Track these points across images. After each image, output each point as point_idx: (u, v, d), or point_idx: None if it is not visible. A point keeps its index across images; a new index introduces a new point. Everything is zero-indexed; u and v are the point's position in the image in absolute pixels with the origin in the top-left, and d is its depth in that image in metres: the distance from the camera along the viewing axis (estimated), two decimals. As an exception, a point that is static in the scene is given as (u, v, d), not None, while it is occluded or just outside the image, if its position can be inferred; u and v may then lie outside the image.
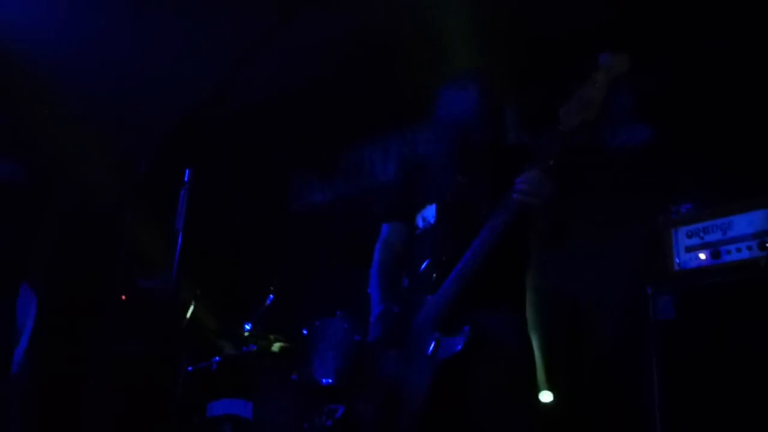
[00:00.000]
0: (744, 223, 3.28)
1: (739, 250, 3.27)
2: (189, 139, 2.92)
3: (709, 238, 3.38)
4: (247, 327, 4.79)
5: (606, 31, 4.44)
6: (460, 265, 2.54)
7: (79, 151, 5.82)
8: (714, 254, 3.33)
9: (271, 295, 4.99)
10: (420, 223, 2.88)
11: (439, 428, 2.49)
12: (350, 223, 5.60)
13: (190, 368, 4.81)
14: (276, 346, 4.80)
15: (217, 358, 4.80)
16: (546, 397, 4.22)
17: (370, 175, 6.10)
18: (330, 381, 4.04)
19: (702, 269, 3.35)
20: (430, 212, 2.84)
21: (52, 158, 5.80)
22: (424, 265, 2.70)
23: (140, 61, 5.55)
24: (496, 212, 2.50)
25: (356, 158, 6.19)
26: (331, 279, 5.31)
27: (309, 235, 6.06)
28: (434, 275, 2.62)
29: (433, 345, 2.51)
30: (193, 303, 5.06)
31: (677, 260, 3.45)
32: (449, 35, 5.01)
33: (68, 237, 5.69)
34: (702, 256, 3.38)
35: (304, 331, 4.37)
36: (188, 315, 4.99)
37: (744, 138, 3.81)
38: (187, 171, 2.42)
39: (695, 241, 3.43)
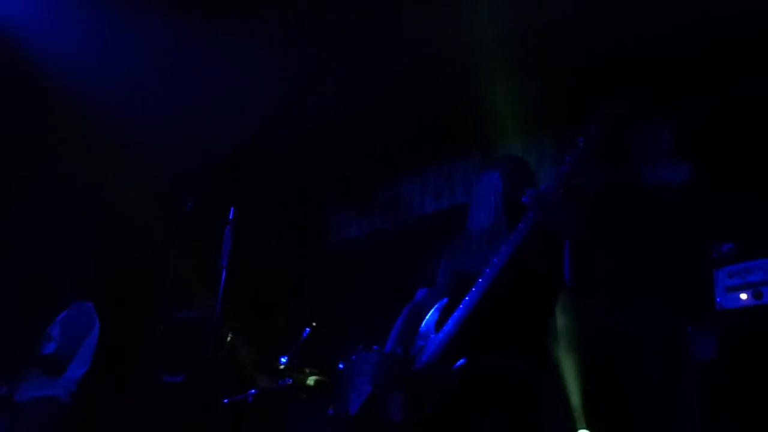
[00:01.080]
0: (786, 263, 3.24)
1: (781, 291, 3.22)
2: (233, 176, 2.97)
3: (750, 278, 3.34)
4: (283, 360, 4.80)
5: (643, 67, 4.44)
6: (468, 297, 2.48)
7: (124, 185, 5.93)
8: (756, 294, 3.29)
9: (308, 329, 5.00)
10: None
11: None
12: (387, 257, 5.61)
13: (226, 400, 4.83)
14: (311, 380, 4.80)
15: (253, 390, 4.81)
16: (582, 434, 4.15)
17: (407, 210, 6.11)
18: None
19: (743, 309, 3.31)
20: None
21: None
22: (436, 307, 2.66)
23: (187, 97, 5.66)
24: (515, 232, 2.45)
25: (394, 192, 6.22)
26: (368, 313, 5.31)
27: (346, 270, 6.08)
28: (444, 314, 2.57)
29: (428, 379, 2.49)
30: (230, 336, 5.11)
31: (718, 300, 3.41)
32: (488, 72, 5.04)
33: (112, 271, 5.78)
34: (743, 296, 3.34)
35: (341, 365, 4.36)
36: (225, 347, 5.04)
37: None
38: (231, 209, 2.45)
39: (737, 281, 3.39)
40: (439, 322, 2.57)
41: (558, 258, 2.45)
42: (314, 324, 5.02)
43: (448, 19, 4.74)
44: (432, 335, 2.58)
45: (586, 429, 4.20)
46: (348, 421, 4.15)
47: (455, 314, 2.50)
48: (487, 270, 2.48)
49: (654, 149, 4.80)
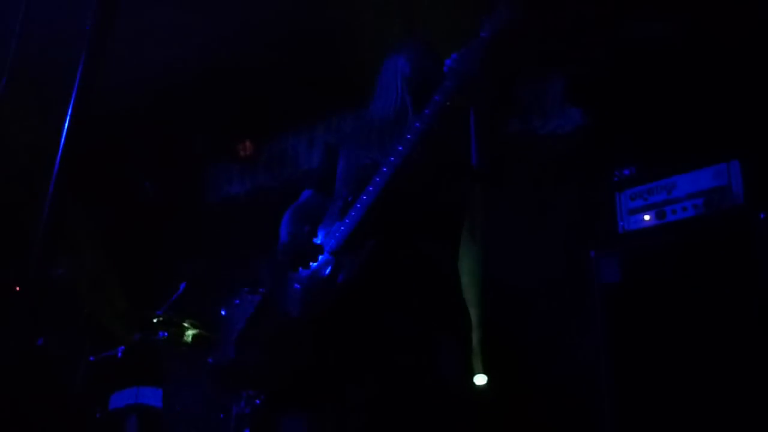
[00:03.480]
0: (688, 182, 3.18)
1: (684, 209, 3.16)
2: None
3: (653, 199, 3.27)
4: (158, 314, 4.41)
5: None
6: (372, 185, 2.25)
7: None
8: (659, 214, 3.22)
9: (184, 283, 4.64)
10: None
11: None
12: (271, 214, 5.30)
13: (92, 358, 4.38)
14: (189, 335, 4.43)
15: (122, 347, 4.39)
16: (480, 379, 3.99)
17: (292, 165, 5.83)
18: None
19: (647, 230, 3.24)
20: None
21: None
22: (341, 197, 2.41)
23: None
24: (428, 105, 2.22)
25: (279, 147, 5.91)
26: (249, 267, 4.99)
27: (227, 226, 5.73)
28: (349, 200, 2.32)
29: (330, 269, 2.24)
30: (98, 291, 4.67)
31: (621, 223, 3.33)
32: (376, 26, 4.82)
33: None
34: (647, 217, 3.26)
35: (223, 312, 4.04)
36: (92, 300, 4.60)
37: (682, 98, 3.74)
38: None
39: (639, 203, 3.31)
40: (343, 211, 2.30)
41: (466, 140, 2.26)
42: (190, 278, 4.67)
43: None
44: (336, 224, 2.31)
45: (482, 374, 4.06)
46: (230, 367, 3.84)
47: (360, 201, 2.24)
48: (392, 158, 2.24)
49: (544, 101, 4.76)
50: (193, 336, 4.45)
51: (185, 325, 4.44)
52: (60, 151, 1.53)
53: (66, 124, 1.52)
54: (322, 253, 2.28)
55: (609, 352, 3.10)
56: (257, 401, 3.80)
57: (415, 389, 2.11)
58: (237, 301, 3.98)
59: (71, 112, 1.49)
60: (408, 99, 2.45)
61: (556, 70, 4.61)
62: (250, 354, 2.93)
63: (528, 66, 4.44)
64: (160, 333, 4.37)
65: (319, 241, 2.34)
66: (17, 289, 5.28)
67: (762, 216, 2.77)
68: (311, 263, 2.28)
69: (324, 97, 5.59)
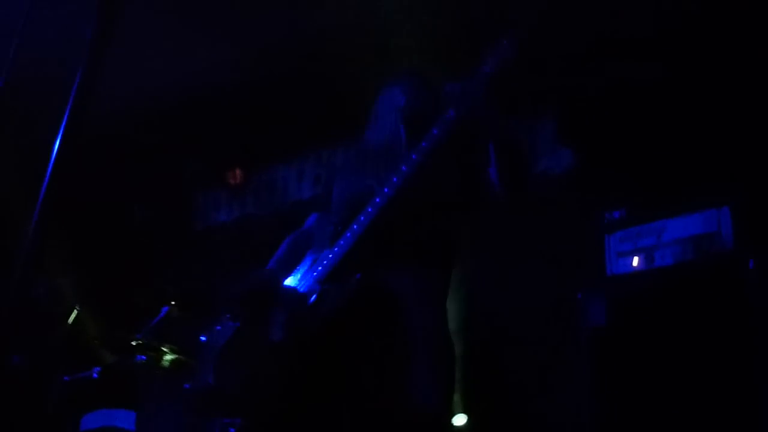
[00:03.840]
0: (678, 226, 3.18)
1: (673, 254, 3.15)
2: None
3: (642, 242, 3.26)
4: (138, 337, 4.34)
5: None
6: (363, 215, 2.22)
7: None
8: (648, 259, 3.21)
9: (166, 308, 4.58)
10: None
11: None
12: (257, 242, 5.27)
13: (66, 378, 4.29)
14: (167, 360, 4.35)
15: (98, 368, 4.30)
16: (459, 420, 3.93)
17: (281, 196, 5.81)
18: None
19: (635, 274, 3.22)
20: None
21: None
22: (330, 223, 2.40)
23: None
24: (426, 138, 2.20)
25: (269, 177, 5.90)
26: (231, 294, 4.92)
27: (214, 252, 5.68)
28: (339, 228, 2.30)
29: (315, 297, 2.21)
30: (76, 310, 4.59)
31: (609, 265, 3.31)
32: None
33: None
34: (635, 261, 3.25)
35: (203, 338, 3.97)
36: (70, 322, 4.52)
37: (673, 142, 3.77)
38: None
39: (628, 246, 3.30)
40: (333, 239, 2.28)
41: (477, 164, 2.25)
42: (173, 303, 4.61)
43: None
44: (325, 251, 2.29)
45: (462, 413, 4.00)
46: (206, 393, 3.77)
47: (350, 230, 2.22)
48: (386, 189, 2.23)
49: (536, 141, 4.78)
50: (171, 361, 4.38)
51: (164, 349, 4.37)
52: (50, 167, 1.49)
53: (57, 141, 1.48)
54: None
55: (593, 395, 3.06)
56: (231, 429, 3.72)
57: (394, 418, 2.07)
58: (218, 328, 3.91)
59: (63, 129, 1.45)
60: (402, 130, 2.45)
61: (548, 110, 4.64)
62: (227, 379, 2.86)
63: (520, 104, 4.46)
64: (138, 356, 4.30)
65: (305, 267, 2.32)
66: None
67: (751, 263, 2.76)
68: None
69: (316, 129, 5.60)
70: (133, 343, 4.30)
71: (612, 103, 4.06)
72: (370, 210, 2.22)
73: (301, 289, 2.28)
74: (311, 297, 2.23)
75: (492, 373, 3.91)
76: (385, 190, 2.22)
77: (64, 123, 1.49)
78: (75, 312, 4.60)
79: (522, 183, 2.27)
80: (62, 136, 1.48)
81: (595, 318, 3.19)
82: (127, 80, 5.27)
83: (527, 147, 2.36)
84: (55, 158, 1.49)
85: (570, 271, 3.63)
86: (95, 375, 4.19)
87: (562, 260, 3.77)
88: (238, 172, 5.93)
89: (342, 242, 2.24)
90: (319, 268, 2.26)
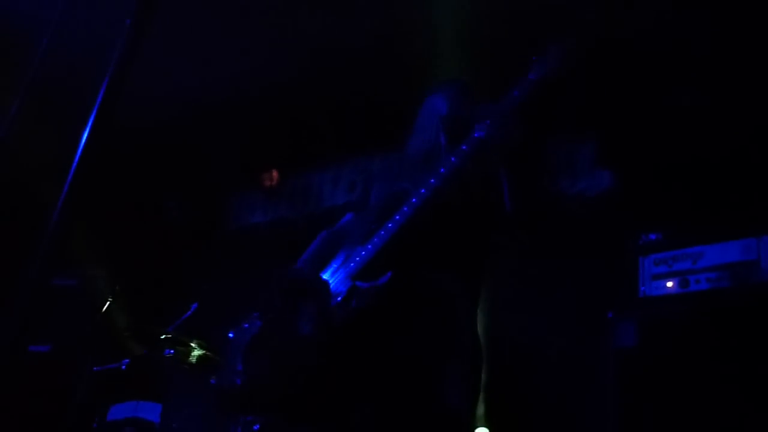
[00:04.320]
0: (716, 253, 3.14)
1: (709, 280, 3.12)
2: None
3: (678, 266, 3.23)
4: (167, 331, 4.40)
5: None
6: (398, 214, 2.24)
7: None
8: (683, 283, 3.18)
9: (196, 304, 4.63)
10: None
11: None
12: (289, 246, 5.30)
13: (96, 368, 4.35)
14: (195, 356, 4.39)
15: (127, 360, 4.36)
16: (481, 433, 3.92)
17: (316, 201, 5.85)
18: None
19: (668, 297, 3.19)
20: None
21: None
22: (364, 221, 2.42)
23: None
24: (457, 152, 2.22)
25: (305, 181, 5.94)
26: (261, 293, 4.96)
27: (246, 253, 5.73)
28: (373, 226, 2.31)
29: (346, 293, 2.23)
30: (110, 301, 4.66)
31: (643, 287, 3.29)
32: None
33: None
34: (669, 284, 3.22)
35: (231, 335, 4.00)
36: (103, 313, 4.58)
37: (715, 168, 3.73)
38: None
39: (663, 269, 3.27)
40: (367, 235, 2.29)
41: (498, 183, 2.25)
42: (203, 300, 4.67)
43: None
44: (358, 248, 2.31)
45: (484, 428, 3.98)
46: (232, 390, 3.79)
47: (385, 229, 2.24)
48: (423, 190, 2.24)
49: (575, 161, 4.76)
50: (199, 356, 4.42)
51: (192, 345, 4.41)
52: (76, 158, 1.49)
53: (86, 131, 1.48)
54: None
55: (619, 416, 3.03)
56: (255, 426, 3.74)
57: (420, 416, 2.07)
58: (246, 325, 3.94)
59: (92, 121, 1.46)
60: (443, 138, 2.46)
61: (589, 131, 4.62)
62: (254, 374, 2.90)
63: (562, 123, 4.46)
64: (167, 350, 4.35)
65: (338, 263, 2.34)
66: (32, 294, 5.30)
67: (789, 294, 2.73)
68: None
69: (354, 136, 5.63)
70: (162, 337, 4.36)
71: (656, 127, 4.04)
72: (405, 210, 2.24)
73: (333, 285, 2.30)
74: (343, 292, 2.25)
75: (516, 389, 3.88)
76: (422, 190, 2.23)
77: (92, 116, 1.49)
78: (107, 303, 4.66)
79: (531, 207, 2.24)
80: (90, 129, 1.49)
81: (625, 339, 3.17)
82: (171, 79, 5.38)
83: (547, 171, 2.34)
84: (81, 152, 1.49)
85: (602, 290, 3.59)
86: (124, 367, 4.25)
87: (595, 279, 3.75)
88: (274, 174, 5.98)
89: (375, 240, 2.25)
90: (351, 264, 2.28)
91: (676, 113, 3.96)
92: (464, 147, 2.22)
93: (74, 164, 1.45)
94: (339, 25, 4.98)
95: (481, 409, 3.89)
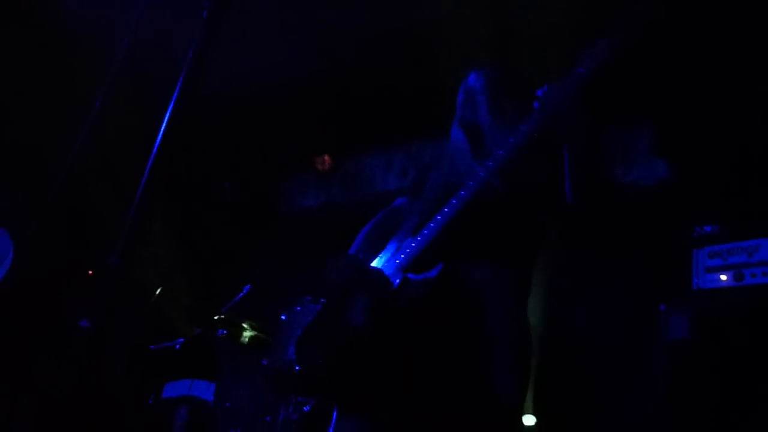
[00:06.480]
0: (774, 247, 3.09)
1: (765, 274, 3.06)
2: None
3: (733, 259, 3.18)
4: (220, 312, 4.50)
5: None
6: (448, 206, 2.22)
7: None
8: (737, 276, 3.13)
9: (248, 286, 4.72)
10: None
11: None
12: (340, 230, 5.35)
13: (152, 347, 4.48)
14: (247, 335, 4.50)
15: (181, 339, 4.48)
16: (528, 420, 3.92)
17: (367, 185, 5.88)
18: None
19: (722, 290, 3.14)
20: None
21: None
22: (416, 211, 2.41)
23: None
24: (514, 134, 2.17)
25: (357, 165, 5.98)
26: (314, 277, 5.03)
27: (298, 236, 5.80)
28: (424, 219, 2.30)
29: (398, 283, 2.23)
30: (163, 283, 4.79)
31: (696, 280, 3.24)
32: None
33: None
34: (723, 277, 3.17)
35: (283, 317, 4.07)
36: (158, 293, 4.71)
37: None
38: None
39: (717, 261, 3.22)
40: (417, 227, 2.31)
41: (556, 171, 2.23)
42: (256, 282, 4.75)
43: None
44: (408, 239, 2.32)
45: (531, 414, 3.99)
46: (283, 371, 3.86)
47: (434, 221, 2.25)
48: (471, 183, 2.24)
49: (630, 150, 4.69)
50: (251, 337, 4.52)
51: (244, 325, 4.51)
52: (157, 145, 1.50)
53: (167, 118, 1.50)
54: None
55: (668, 409, 3.01)
56: (306, 408, 3.81)
57: (470, 404, 2.10)
58: (298, 308, 4.01)
59: (172, 108, 1.51)
60: (483, 114, 2.43)
61: (645, 119, 4.55)
62: (306, 359, 2.94)
63: (617, 112, 4.39)
64: (220, 330, 4.45)
65: (389, 253, 2.36)
66: (89, 273, 5.46)
67: None
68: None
69: (407, 122, 5.64)
70: (216, 318, 4.46)
71: (716, 117, 3.95)
72: (454, 202, 2.23)
73: (380, 282, 2.31)
74: (394, 283, 2.27)
75: (565, 378, 3.87)
76: (471, 183, 2.23)
77: (175, 96, 1.53)
78: (164, 283, 4.79)
79: (593, 198, 2.19)
80: (173, 109, 1.52)
81: (677, 331, 3.14)
82: (227, 64, 5.45)
83: (606, 160, 2.30)
84: (165, 130, 1.53)
85: (655, 282, 3.56)
86: (178, 346, 4.36)
87: (648, 271, 3.71)
88: (326, 158, 6.03)
89: (425, 232, 2.26)
90: (402, 255, 2.29)
91: (736, 103, 3.87)
92: (512, 140, 2.21)
93: (155, 148, 1.50)
94: (396, 8, 4.98)
95: (529, 398, 3.89)
